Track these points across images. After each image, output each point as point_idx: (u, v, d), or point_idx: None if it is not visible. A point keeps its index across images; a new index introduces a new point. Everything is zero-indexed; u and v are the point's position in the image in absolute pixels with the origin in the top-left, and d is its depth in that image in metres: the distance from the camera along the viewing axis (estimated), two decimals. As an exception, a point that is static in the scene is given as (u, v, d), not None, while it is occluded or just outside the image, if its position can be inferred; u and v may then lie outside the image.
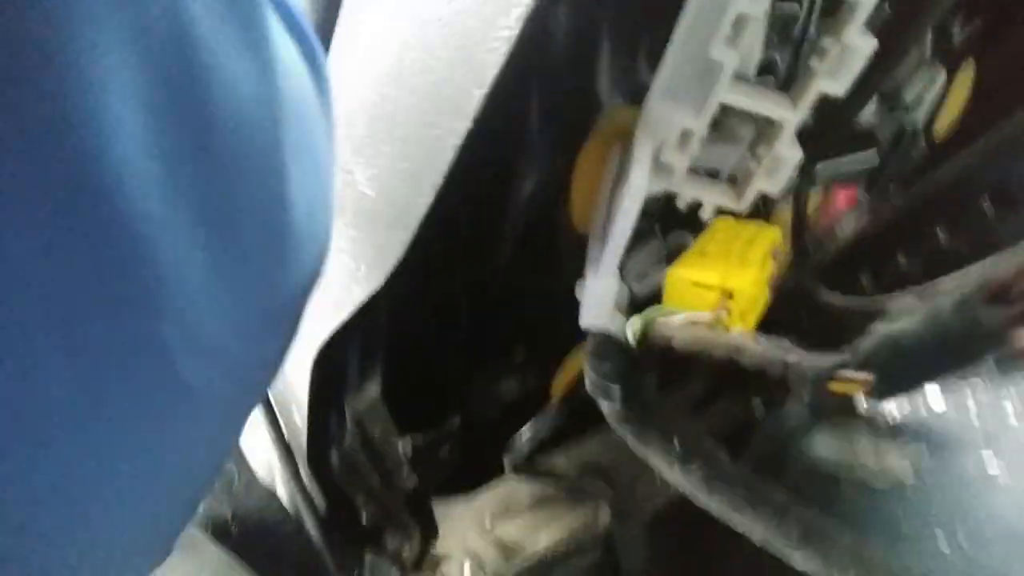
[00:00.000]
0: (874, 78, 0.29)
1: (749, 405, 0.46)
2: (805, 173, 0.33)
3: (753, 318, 0.20)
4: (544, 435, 0.32)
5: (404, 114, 0.17)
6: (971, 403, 0.64)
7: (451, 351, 0.31)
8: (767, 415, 0.44)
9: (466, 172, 0.18)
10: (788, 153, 0.22)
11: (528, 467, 0.36)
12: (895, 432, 0.64)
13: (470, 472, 0.38)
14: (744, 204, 0.24)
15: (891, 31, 0.24)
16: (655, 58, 0.22)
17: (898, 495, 0.57)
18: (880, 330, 0.14)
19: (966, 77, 0.43)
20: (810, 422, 0.49)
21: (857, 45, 0.18)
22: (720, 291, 0.20)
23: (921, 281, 0.21)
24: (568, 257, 0.27)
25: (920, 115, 0.42)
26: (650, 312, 0.20)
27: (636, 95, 0.24)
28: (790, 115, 0.21)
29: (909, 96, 0.42)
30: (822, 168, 0.40)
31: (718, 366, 0.41)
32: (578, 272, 0.25)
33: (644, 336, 0.21)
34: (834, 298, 0.25)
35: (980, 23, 0.42)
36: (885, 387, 0.13)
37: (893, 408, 0.67)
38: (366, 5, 0.17)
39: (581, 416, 0.36)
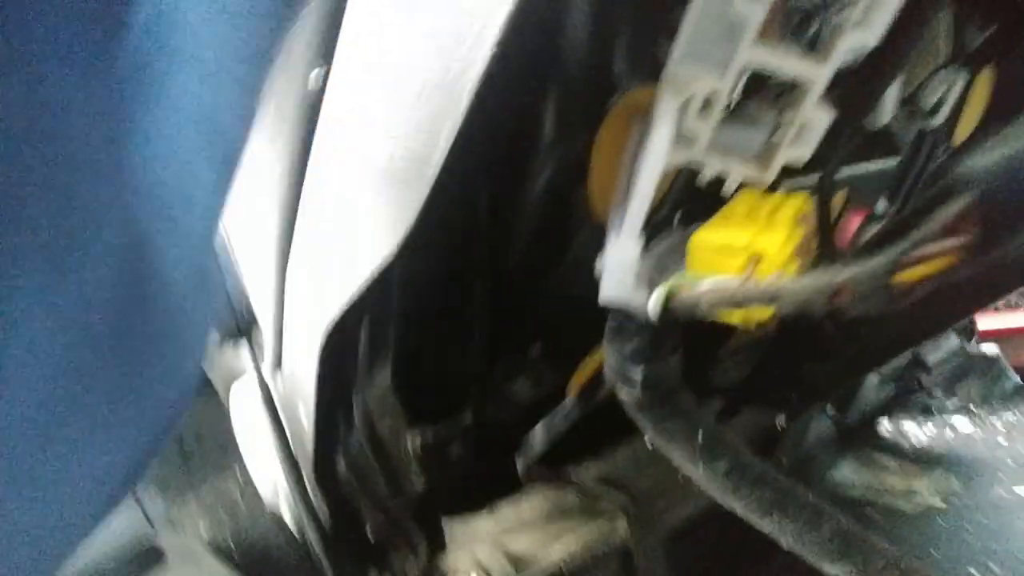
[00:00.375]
0: (898, 58, 0.29)
1: (771, 418, 0.44)
2: (828, 175, 0.33)
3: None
4: (558, 433, 0.31)
5: (423, 57, 0.17)
6: (999, 424, 0.62)
7: (464, 341, 0.29)
8: (789, 428, 0.43)
9: (482, 124, 0.17)
10: (816, 115, 0.21)
11: (543, 474, 0.35)
12: (921, 455, 0.62)
13: (482, 486, 0.36)
14: (771, 174, 0.23)
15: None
16: (673, 36, 0.22)
17: (928, 520, 0.54)
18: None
19: (985, 82, 0.43)
20: (832, 437, 0.47)
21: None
22: (747, 254, 0.18)
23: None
24: (587, 248, 0.26)
25: (939, 120, 0.41)
26: (674, 280, 0.19)
27: (654, 76, 0.24)
28: (817, 72, 0.20)
29: (929, 101, 0.41)
30: (846, 172, 0.39)
31: (745, 342, 0.39)
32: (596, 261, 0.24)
33: (667, 306, 0.19)
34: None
35: (997, 28, 0.42)
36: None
37: (918, 431, 0.65)
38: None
39: (597, 422, 0.35)
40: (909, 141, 0.44)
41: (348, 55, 0.20)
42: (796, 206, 0.22)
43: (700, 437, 0.24)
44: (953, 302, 0.29)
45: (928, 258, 0.10)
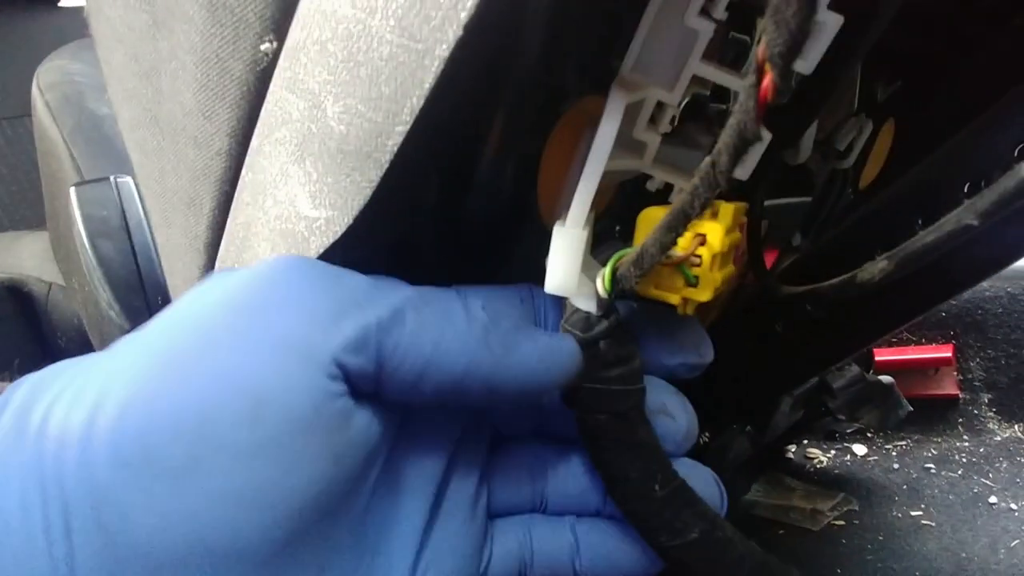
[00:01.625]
0: (815, 102, 0.31)
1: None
2: (757, 204, 0.35)
3: (721, 276, 0.20)
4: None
5: (388, 30, 0.17)
6: (893, 450, 0.67)
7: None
8: (711, 445, 0.44)
9: (437, 112, 0.17)
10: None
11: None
12: (823, 478, 0.66)
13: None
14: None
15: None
16: (624, 47, 0.23)
17: (831, 539, 0.58)
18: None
19: (888, 132, 0.47)
20: (748, 457, 0.50)
21: (824, 20, 0.20)
22: (693, 233, 0.19)
23: (882, 281, 0.22)
24: (534, 249, 0.26)
25: (850, 162, 0.45)
26: (618, 252, 0.20)
27: (605, 86, 0.25)
28: (758, 92, 0.22)
29: (841, 144, 0.45)
30: (768, 205, 0.42)
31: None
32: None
33: (613, 280, 0.20)
34: (796, 288, 0.25)
35: (901, 84, 0.46)
36: None
37: (821, 455, 0.69)
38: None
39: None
40: (823, 180, 0.47)
41: (303, 29, 0.19)
42: (736, 207, 0.23)
43: (658, 486, 0.22)
44: (896, 306, 0.31)
45: None
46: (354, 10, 0.17)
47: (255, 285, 0.18)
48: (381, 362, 0.18)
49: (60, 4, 1.35)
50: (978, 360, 0.65)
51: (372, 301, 0.18)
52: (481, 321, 0.19)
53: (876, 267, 0.18)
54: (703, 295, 0.19)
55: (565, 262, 0.20)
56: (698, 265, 0.19)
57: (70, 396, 0.16)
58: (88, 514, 0.15)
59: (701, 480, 0.23)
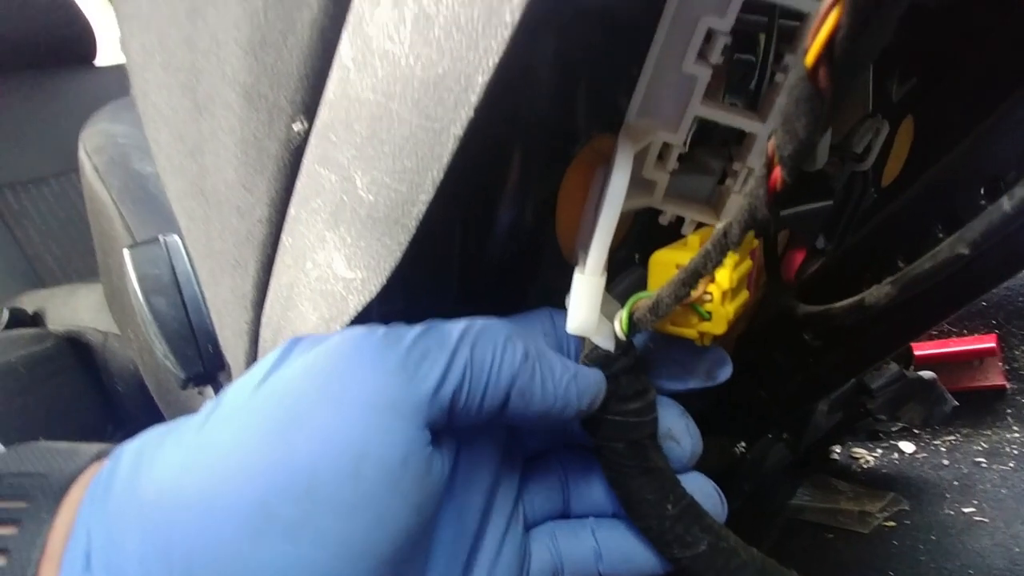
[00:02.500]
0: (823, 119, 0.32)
1: (733, 444, 0.46)
2: (773, 215, 0.36)
3: (733, 308, 0.21)
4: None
5: (407, 112, 0.18)
6: (941, 445, 0.65)
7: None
8: (749, 454, 0.44)
9: (460, 168, 0.19)
10: (760, 164, 0.24)
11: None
12: (871, 478, 0.64)
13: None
14: (723, 219, 0.26)
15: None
16: (629, 88, 0.24)
17: (883, 541, 0.57)
18: None
19: (907, 130, 0.47)
20: (788, 462, 0.50)
21: (815, 59, 0.20)
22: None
23: (888, 304, 0.23)
24: (555, 282, 0.28)
25: (868, 164, 0.45)
26: (635, 296, 0.21)
27: (614, 127, 0.26)
28: (760, 126, 0.23)
29: (858, 147, 0.45)
30: (789, 211, 0.42)
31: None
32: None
33: (631, 322, 0.21)
34: (811, 308, 0.26)
35: (916, 82, 0.46)
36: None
37: (867, 454, 0.68)
38: (371, 10, 0.18)
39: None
40: (842, 184, 0.47)
41: (331, 111, 0.21)
42: (744, 240, 0.24)
43: (671, 505, 0.23)
44: (919, 313, 0.31)
45: (821, 22, 0.11)
46: (375, 95, 0.19)
47: (335, 353, 0.20)
48: (453, 402, 0.19)
49: (96, 64, 1.43)
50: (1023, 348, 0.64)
51: (433, 351, 0.20)
52: (521, 349, 0.21)
53: (881, 292, 0.18)
54: (717, 329, 0.20)
55: (586, 306, 0.22)
56: (710, 301, 0.20)
57: (179, 462, 0.17)
58: (213, 573, 0.16)
59: (701, 490, 0.25)
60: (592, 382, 0.22)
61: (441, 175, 0.19)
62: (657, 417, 0.23)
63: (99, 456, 0.19)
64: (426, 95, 0.18)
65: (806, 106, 0.12)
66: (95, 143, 0.67)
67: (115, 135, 0.67)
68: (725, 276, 0.20)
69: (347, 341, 0.20)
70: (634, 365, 0.23)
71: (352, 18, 0.19)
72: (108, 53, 1.43)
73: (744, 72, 0.33)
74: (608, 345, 0.22)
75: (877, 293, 0.18)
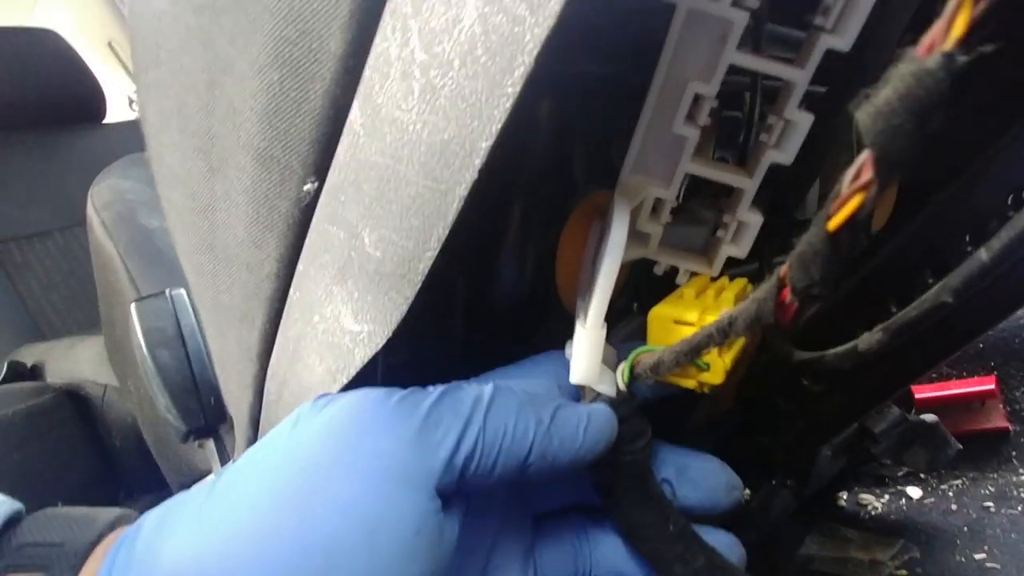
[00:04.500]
0: (814, 164, 0.33)
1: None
2: (767, 261, 0.37)
3: (731, 357, 0.21)
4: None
5: (413, 173, 0.19)
6: (949, 490, 0.65)
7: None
8: (753, 501, 0.44)
9: (467, 225, 0.20)
10: (749, 218, 0.25)
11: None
12: (879, 525, 0.63)
13: None
14: (715, 269, 0.26)
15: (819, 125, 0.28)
16: (626, 146, 0.26)
17: (895, 591, 0.55)
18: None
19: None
20: (794, 510, 0.49)
21: (797, 120, 0.22)
22: (698, 327, 0.21)
23: (881, 350, 0.23)
24: (556, 333, 0.28)
25: (858, 212, 0.47)
26: (636, 351, 0.22)
27: (610, 182, 0.27)
28: (747, 182, 0.24)
29: (846, 195, 0.47)
30: (781, 260, 0.43)
31: (706, 419, 0.41)
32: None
33: (632, 375, 0.21)
34: (807, 355, 0.26)
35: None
36: (887, 163, 0.12)
37: (874, 500, 0.67)
38: (381, 82, 0.19)
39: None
40: (834, 230, 0.49)
41: (341, 172, 0.22)
42: (739, 286, 0.25)
43: (672, 526, 0.25)
44: (910, 359, 0.32)
45: (845, 200, 0.13)
46: (384, 158, 0.20)
47: (351, 419, 0.20)
48: (465, 469, 0.20)
49: (104, 121, 1.47)
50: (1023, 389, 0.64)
51: (447, 419, 0.20)
52: (534, 417, 0.21)
53: (873, 338, 0.19)
54: (715, 379, 0.21)
55: (588, 358, 0.22)
56: (708, 352, 0.21)
57: (196, 533, 0.18)
58: None
59: (725, 545, 0.25)
60: (603, 422, 0.23)
61: (446, 232, 0.19)
62: (651, 442, 0.25)
63: (115, 524, 0.19)
64: (432, 159, 0.19)
65: (823, 257, 0.13)
66: (103, 199, 0.69)
67: (123, 191, 0.69)
68: (721, 326, 0.21)
69: (362, 406, 0.20)
70: (635, 410, 0.23)
71: (363, 88, 0.20)
72: (116, 110, 1.48)
73: (732, 127, 0.35)
74: (610, 392, 0.23)
75: (869, 340, 0.19)
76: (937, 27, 0.10)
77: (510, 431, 0.20)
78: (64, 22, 1.69)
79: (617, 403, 0.23)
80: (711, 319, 0.21)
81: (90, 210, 0.71)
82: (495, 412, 0.21)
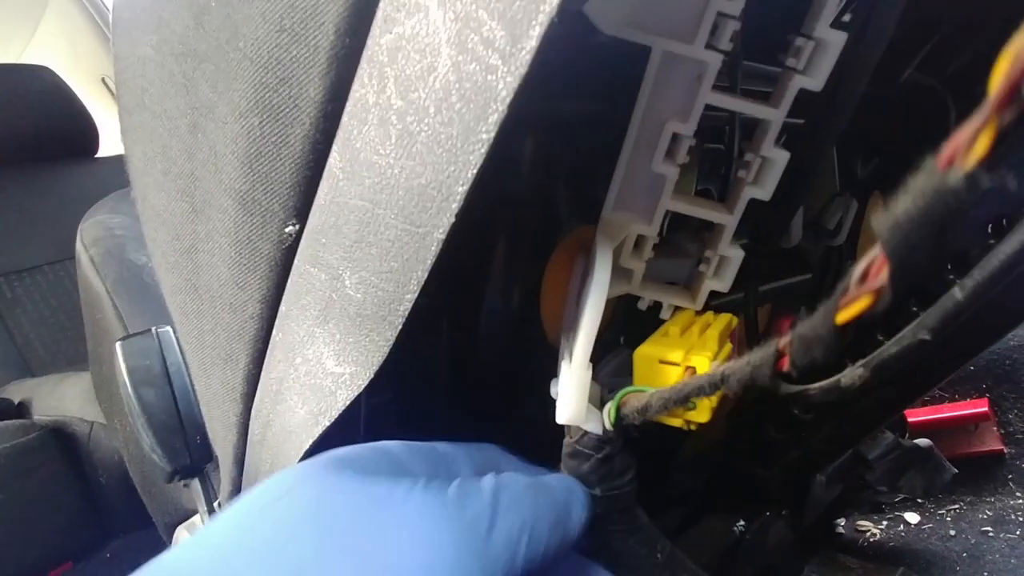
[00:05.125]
0: (795, 196, 0.33)
1: (731, 523, 0.45)
2: (752, 292, 0.37)
3: (717, 396, 0.21)
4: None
5: (392, 217, 0.19)
6: (947, 515, 0.64)
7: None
8: (748, 532, 0.43)
9: (444, 264, 0.20)
10: (730, 253, 0.25)
11: None
12: (879, 553, 0.63)
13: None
14: (699, 302, 0.27)
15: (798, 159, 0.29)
16: (607, 182, 0.26)
17: (897, 621, 0.54)
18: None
19: (876, 203, 0.49)
20: (790, 540, 0.48)
21: (773, 157, 0.22)
22: (684, 367, 0.21)
23: (863, 385, 0.24)
24: (542, 370, 0.28)
25: (842, 239, 0.47)
26: (622, 392, 0.21)
27: (593, 217, 0.27)
28: (728, 218, 0.24)
29: (830, 224, 0.47)
30: (769, 287, 0.43)
31: (696, 451, 0.41)
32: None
33: (618, 416, 0.21)
34: (793, 389, 0.26)
35: (878, 161, 0.49)
36: (902, 273, 0.12)
37: (872, 527, 0.66)
38: (359, 128, 0.20)
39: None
40: (818, 258, 0.49)
41: (321, 215, 0.22)
42: (723, 323, 0.25)
43: (659, 554, 0.25)
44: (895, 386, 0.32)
45: (854, 299, 0.13)
46: (363, 201, 0.20)
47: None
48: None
49: (96, 156, 1.48)
50: (1016, 411, 0.64)
51: (484, 529, 0.18)
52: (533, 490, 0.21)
53: (855, 374, 0.19)
54: (701, 417, 0.21)
55: (575, 398, 0.22)
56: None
57: None
58: None
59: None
60: (578, 488, 0.22)
61: (425, 275, 0.19)
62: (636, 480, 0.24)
63: None
64: (410, 203, 0.19)
65: (826, 344, 0.14)
66: (92, 235, 0.69)
67: (112, 227, 0.69)
68: (705, 367, 0.21)
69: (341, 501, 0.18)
70: (622, 447, 0.23)
71: (342, 134, 0.20)
72: (109, 145, 1.49)
73: (714, 159, 0.35)
74: (597, 430, 0.23)
75: (851, 376, 0.19)
76: (960, 138, 0.10)
77: (536, 529, 0.19)
78: (58, 58, 1.71)
79: (604, 440, 0.23)
80: (696, 359, 0.21)
81: (79, 246, 0.71)
82: (518, 510, 0.19)
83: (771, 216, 0.34)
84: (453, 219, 0.18)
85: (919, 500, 0.65)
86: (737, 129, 0.26)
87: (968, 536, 0.60)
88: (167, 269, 0.32)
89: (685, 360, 0.21)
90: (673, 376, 0.21)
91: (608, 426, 0.22)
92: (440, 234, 0.18)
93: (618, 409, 0.21)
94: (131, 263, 0.63)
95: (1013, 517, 0.60)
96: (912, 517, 0.66)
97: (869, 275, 0.12)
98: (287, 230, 0.24)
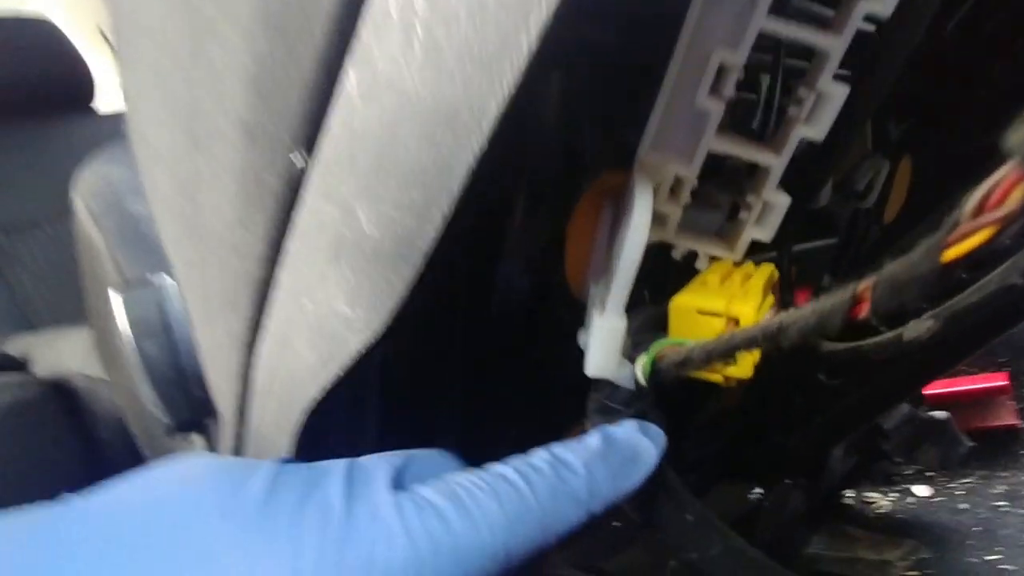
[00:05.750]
0: (828, 161, 0.31)
1: (747, 490, 0.44)
2: (787, 250, 0.35)
3: (760, 348, 0.20)
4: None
5: (414, 142, 0.18)
6: (958, 489, 0.63)
7: (442, 417, 0.29)
8: (767, 500, 0.43)
9: (464, 204, 0.18)
10: (776, 199, 0.23)
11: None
12: (887, 524, 0.62)
13: None
14: (738, 253, 0.25)
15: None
16: (640, 123, 0.24)
17: (906, 592, 0.54)
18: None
19: (906, 168, 0.47)
20: (804, 509, 0.48)
21: (830, 91, 0.20)
22: (726, 318, 0.19)
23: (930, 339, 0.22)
24: (565, 323, 0.27)
25: (871, 202, 0.45)
26: (659, 343, 0.20)
27: (621, 162, 0.25)
28: (775, 159, 0.22)
29: (859, 185, 0.45)
30: (794, 250, 0.42)
31: (718, 413, 0.39)
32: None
33: (653, 370, 0.20)
34: (839, 346, 0.25)
35: (913, 122, 0.47)
36: None
37: (881, 498, 0.66)
38: (378, 42, 0.18)
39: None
40: (846, 222, 0.47)
41: (334, 143, 0.20)
42: (766, 273, 0.23)
43: (689, 515, 0.24)
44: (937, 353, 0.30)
45: (970, 232, 0.11)
46: (381, 127, 0.18)
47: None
48: None
49: (96, 110, 1.44)
50: (1034, 386, 0.63)
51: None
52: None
53: (923, 326, 0.17)
54: (743, 372, 0.19)
55: (606, 349, 0.21)
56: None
57: None
58: None
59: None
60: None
61: (450, 208, 0.18)
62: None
63: None
64: (436, 125, 0.17)
65: (923, 286, 0.12)
66: (89, 186, 0.67)
67: (110, 177, 0.67)
68: (749, 318, 0.19)
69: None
70: (656, 402, 0.22)
71: (358, 50, 0.18)
72: (108, 101, 1.45)
73: (745, 109, 0.33)
74: (629, 385, 0.21)
75: (918, 328, 0.17)
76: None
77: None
78: (54, 7, 1.66)
79: (636, 396, 0.21)
80: (740, 307, 0.20)
81: (75, 198, 0.69)
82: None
83: (815, 164, 0.32)
84: (484, 142, 0.16)
85: (931, 473, 0.64)
86: (782, 65, 0.24)
87: (980, 510, 0.59)
88: (167, 214, 0.31)
89: (727, 309, 0.19)
90: (714, 327, 0.19)
91: (642, 380, 0.20)
92: (469, 158, 0.17)
93: (654, 362, 0.20)
94: (130, 214, 0.61)
95: (1026, 492, 0.59)
96: (921, 490, 0.65)
97: (990, 202, 0.10)
98: (297, 163, 0.22)
